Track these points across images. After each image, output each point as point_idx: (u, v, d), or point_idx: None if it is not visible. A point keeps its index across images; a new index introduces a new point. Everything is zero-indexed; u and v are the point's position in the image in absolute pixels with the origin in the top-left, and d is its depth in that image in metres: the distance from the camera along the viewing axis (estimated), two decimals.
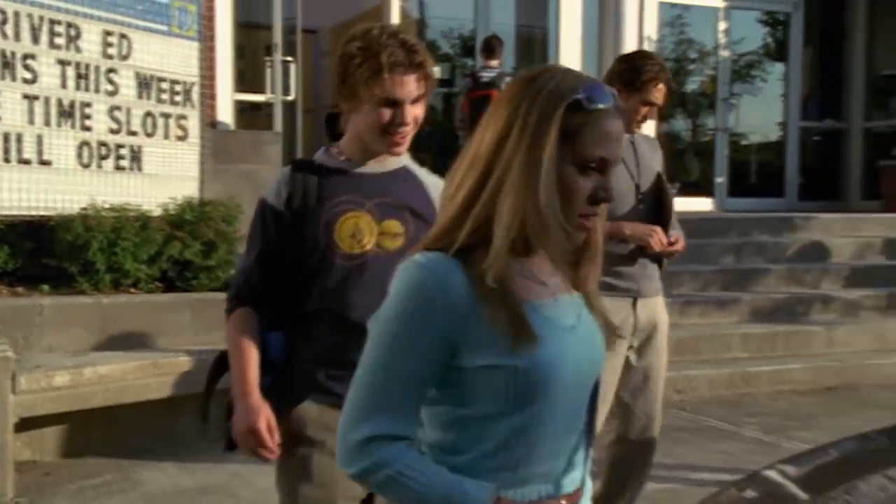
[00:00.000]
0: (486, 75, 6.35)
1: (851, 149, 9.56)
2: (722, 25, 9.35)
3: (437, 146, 8.21)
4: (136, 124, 5.28)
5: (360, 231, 2.00)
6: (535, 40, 9.61)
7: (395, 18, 7.55)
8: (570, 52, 8.52)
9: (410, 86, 1.92)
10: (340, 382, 1.94)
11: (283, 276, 2.04)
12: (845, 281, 7.04)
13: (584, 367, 1.32)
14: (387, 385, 1.30)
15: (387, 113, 1.94)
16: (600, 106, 1.25)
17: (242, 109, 7.94)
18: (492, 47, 6.47)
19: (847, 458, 2.72)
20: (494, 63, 6.41)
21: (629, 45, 8.14)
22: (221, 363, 2.14)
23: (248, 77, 8.00)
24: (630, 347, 3.11)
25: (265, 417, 1.97)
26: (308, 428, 2.01)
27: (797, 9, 9.42)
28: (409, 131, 1.98)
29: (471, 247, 1.27)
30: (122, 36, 5.22)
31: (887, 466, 2.54)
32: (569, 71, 1.32)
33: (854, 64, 9.47)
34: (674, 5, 9.33)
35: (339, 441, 1.34)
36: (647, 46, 8.76)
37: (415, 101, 1.95)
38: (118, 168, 5.21)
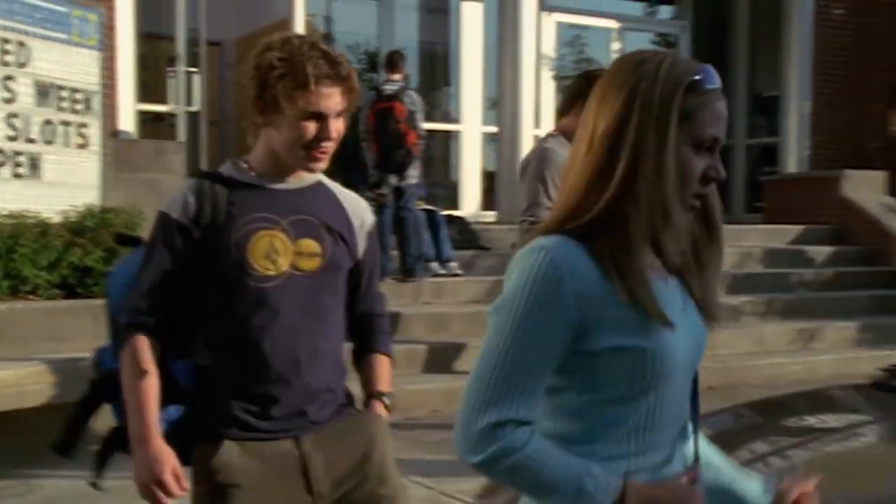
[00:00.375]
0: (389, 88, 6.54)
1: (736, 164, 10.11)
2: (616, 46, 9.79)
3: (341, 159, 8.35)
4: (34, 132, 5.27)
5: (275, 251, 1.85)
6: (438, 56, 9.88)
7: (300, 32, 7.66)
8: (471, 68, 8.80)
9: (335, 99, 1.82)
10: (259, 417, 1.86)
11: (189, 299, 1.86)
12: (728, 288, 7.45)
13: (693, 350, 1.32)
14: (514, 371, 1.27)
15: (311, 127, 1.82)
16: (715, 86, 1.27)
17: (146, 120, 7.91)
18: (394, 62, 6.66)
19: (719, 433, 2.98)
20: (397, 77, 6.61)
21: (527, 63, 8.45)
22: (97, 395, 1.96)
23: (151, 87, 7.98)
24: None
25: (171, 466, 1.79)
26: (224, 469, 1.83)
27: (685, 31, 9.94)
28: (331, 147, 1.87)
29: (594, 231, 1.26)
30: (20, 44, 5.21)
31: (756, 440, 2.80)
32: (674, 54, 1.33)
33: (737, 85, 10.04)
34: (571, 25, 9.72)
35: (461, 430, 1.30)
36: (544, 64, 9.12)
37: (338, 115, 1.85)
38: (16, 175, 5.18)
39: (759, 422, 2.86)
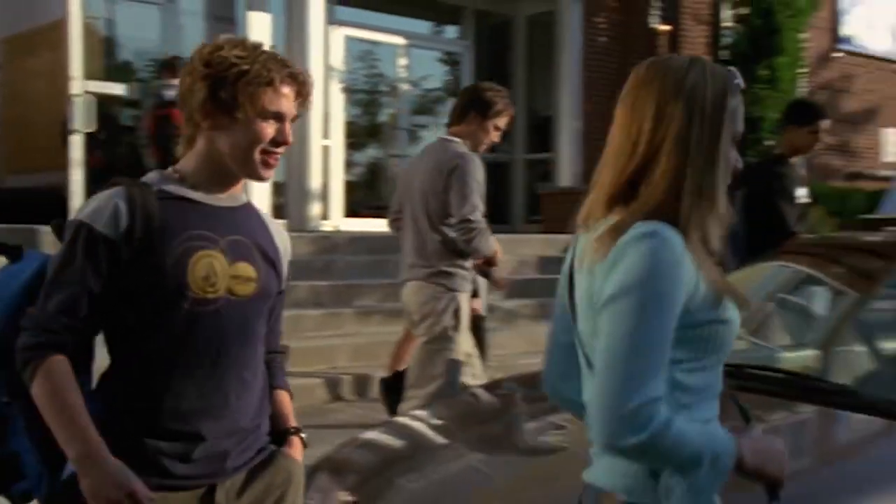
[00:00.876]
0: (168, 94, 6.46)
1: (516, 178, 10.71)
2: (403, 62, 10.11)
3: (123, 164, 8.11)
4: None
5: (214, 272, 1.71)
6: None
7: (77, 35, 7.37)
8: None
9: (292, 102, 1.75)
10: (177, 459, 1.68)
11: (104, 321, 1.70)
12: (506, 293, 7.92)
13: None
14: (653, 349, 1.31)
15: (269, 129, 1.71)
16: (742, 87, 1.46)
17: None
18: (174, 67, 6.60)
19: (483, 403, 3.22)
20: (176, 82, 6.56)
21: (315, 75, 8.53)
22: None
23: None
24: None
25: (134, 476, 1.62)
26: None
27: (468, 51, 10.44)
28: (280, 154, 1.77)
29: (670, 220, 1.38)
30: None
31: (517, 409, 3.05)
32: (704, 59, 1.49)
33: (517, 103, 10.65)
34: (360, 40, 9.94)
35: (611, 414, 1.31)
36: (333, 77, 9.27)
37: (291, 121, 1.77)
38: None
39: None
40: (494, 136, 3.96)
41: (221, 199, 1.78)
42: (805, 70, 11.25)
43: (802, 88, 11.53)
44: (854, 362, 3.16)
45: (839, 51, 12.69)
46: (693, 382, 1.41)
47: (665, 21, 10.81)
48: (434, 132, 10.68)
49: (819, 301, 3.63)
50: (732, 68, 1.49)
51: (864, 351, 3.20)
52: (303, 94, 1.77)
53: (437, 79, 11.06)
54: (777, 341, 3.46)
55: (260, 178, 1.78)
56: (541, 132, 10.65)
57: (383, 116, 10.74)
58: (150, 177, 1.78)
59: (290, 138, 1.76)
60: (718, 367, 1.45)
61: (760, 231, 4.23)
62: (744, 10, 10.08)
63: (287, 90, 1.74)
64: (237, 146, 1.72)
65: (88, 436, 1.61)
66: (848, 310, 3.42)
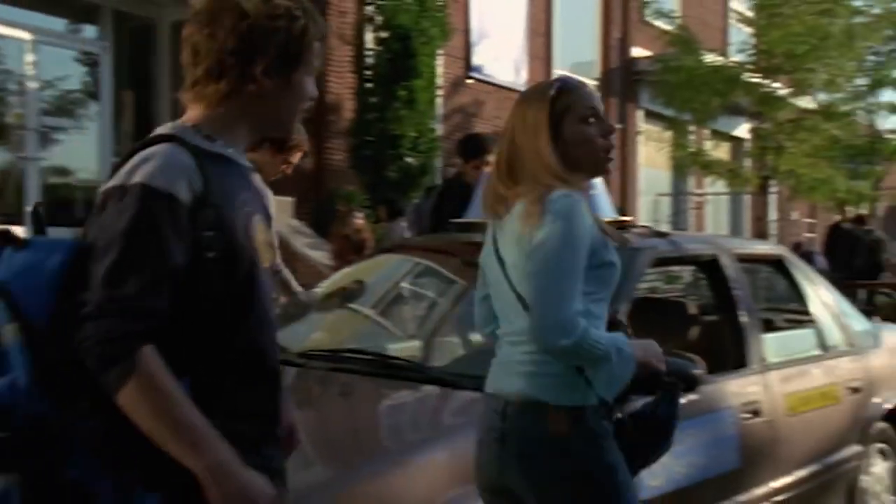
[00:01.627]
0: None
1: None
2: (31, 58, 9.42)
3: None
4: None
5: (266, 240, 1.56)
6: None
7: None
8: None
9: None
10: (271, 444, 1.52)
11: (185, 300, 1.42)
12: None
13: None
14: (571, 275, 1.84)
15: (312, 84, 1.59)
16: None
17: None
18: None
19: None
20: None
21: None
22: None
23: None
24: None
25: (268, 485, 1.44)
26: None
27: (106, 52, 9.96)
28: None
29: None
30: None
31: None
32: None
33: (161, 110, 10.39)
34: None
35: (544, 325, 1.84)
36: None
37: None
38: None
39: None
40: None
41: (243, 159, 1.62)
42: (440, 93, 12.23)
43: (438, 111, 12.53)
44: (448, 345, 3.57)
45: (471, 78, 13.94)
46: (596, 310, 1.96)
47: None
48: (72, 135, 10.06)
49: (430, 291, 4.04)
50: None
51: (457, 335, 3.63)
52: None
53: (75, 79, 10.43)
54: (393, 325, 3.80)
55: (294, 139, 1.84)
56: None
57: (9, 117, 9.90)
58: (177, 130, 1.55)
59: None
60: (608, 299, 2.03)
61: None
62: (384, 34, 10.73)
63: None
64: (289, 107, 1.58)
65: (218, 442, 1.38)
66: (452, 300, 3.85)
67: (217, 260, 1.44)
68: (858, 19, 13.97)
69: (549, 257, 1.86)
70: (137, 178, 1.44)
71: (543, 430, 1.92)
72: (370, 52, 10.91)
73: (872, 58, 15.94)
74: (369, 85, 10.83)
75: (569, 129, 2.02)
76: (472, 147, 5.39)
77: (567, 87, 2.06)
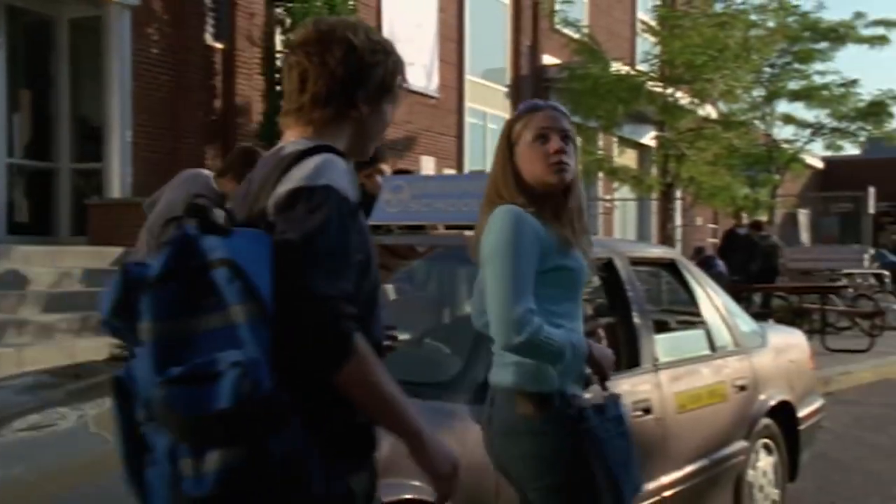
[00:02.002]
0: None
1: (61, 188, 10.11)
2: None
3: None
4: None
5: None
6: None
7: None
8: None
9: None
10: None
11: None
12: (43, 307, 7.47)
13: (585, 274, 2.27)
14: (520, 277, 2.07)
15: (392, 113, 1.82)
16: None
17: None
18: None
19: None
20: None
21: None
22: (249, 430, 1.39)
23: None
24: None
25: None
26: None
27: (0, 49, 9.63)
28: None
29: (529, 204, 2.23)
30: None
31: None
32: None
33: (60, 109, 10.09)
34: None
35: (500, 323, 2.07)
36: None
37: None
38: None
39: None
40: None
41: None
42: None
43: None
44: None
45: None
46: (559, 310, 2.17)
47: (219, 39, 11.03)
48: None
49: None
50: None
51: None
52: None
53: None
54: None
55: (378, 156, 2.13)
56: (90, 141, 10.18)
57: None
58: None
59: None
60: (576, 299, 2.25)
61: None
62: (293, 37, 10.66)
63: None
64: (376, 131, 1.77)
65: (416, 413, 1.62)
66: None
67: (362, 262, 1.59)
68: (754, 32, 14.54)
69: (496, 264, 2.12)
70: (323, 180, 1.56)
71: (514, 413, 2.19)
72: (279, 55, 10.83)
73: (768, 70, 16.62)
74: (278, 88, 10.75)
75: (519, 152, 2.27)
76: (374, 158, 5.41)
77: (522, 113, 2.33)
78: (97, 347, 7.64)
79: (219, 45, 11.02)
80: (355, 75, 1.70)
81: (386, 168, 5.07)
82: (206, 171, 4.66)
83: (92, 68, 10.00)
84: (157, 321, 1.44)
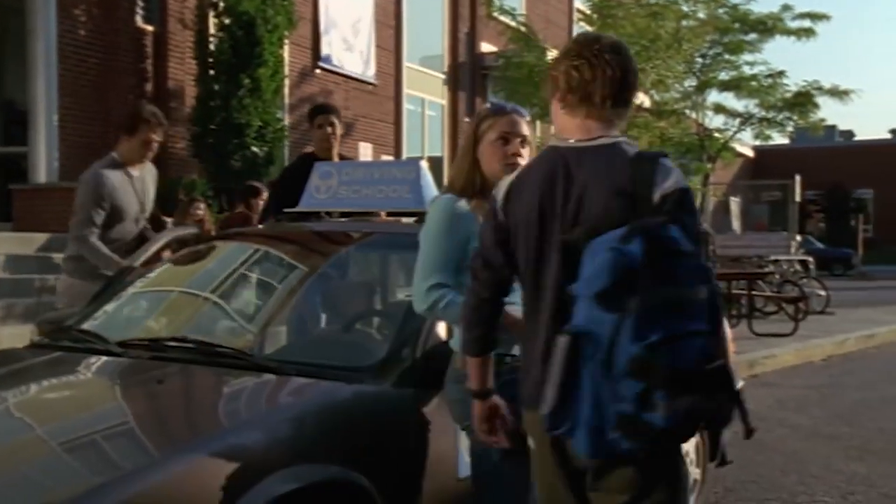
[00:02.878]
0: None
1: None
2: None
3: None
4: None
5: None
6: None
7: None
8: None
9: None
10: None
11: None
12: None
13: None
14: (434, 257, 2.47)
15: None
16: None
17: None
18: None
19: None
20: None
21: None
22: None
23: None
24: None
25: None
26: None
27: None
28: None
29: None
30: None
31: None
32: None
33: None
34: None
35: (416, 289, 2.49)
36: None
37: None
38: None
39: None
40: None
41: None
42: (286, 83, 12.10)
43: (285, 100, 12.39)
44: (277, 333, 3.58)
45: (319, 68, 13.87)
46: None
47: (150, 21, 10.82)
48: None
49: (262, 279, 4.03)
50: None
51: (286, 322, 3.65)
52: None
53: None
54: (223, 313, 3.76)
55: None
56: (15, 125, 9.91)
57: None
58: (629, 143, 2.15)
59: None
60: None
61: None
62: (227, 20, 10.49)
63: None
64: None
65: None
66: (283, 288, 3.85)
67: None
68: (685, 23, 14.81)
69: (421, 247, 2.51)
70: (684, 182, 2.05)
71: (452, 366, 2.58)
72: (213, 39, 10.67)
73: (700, 60, 16.95)
74: (212, 72, 10.59)
75: (481, 148, 2.59)
76: (316, 107, 5.45)
77: (490, 113, 2.64)
78: (22, 335, 7.49)
79: (150, 28, 10.81)
80: (626, 79, 2.15)
81: (335, 121, 5.25)
82: None
83: (16, 51, 9.73)
84: (644, 295, 1.84)
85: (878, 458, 5.61)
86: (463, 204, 2.56)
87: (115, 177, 4.39)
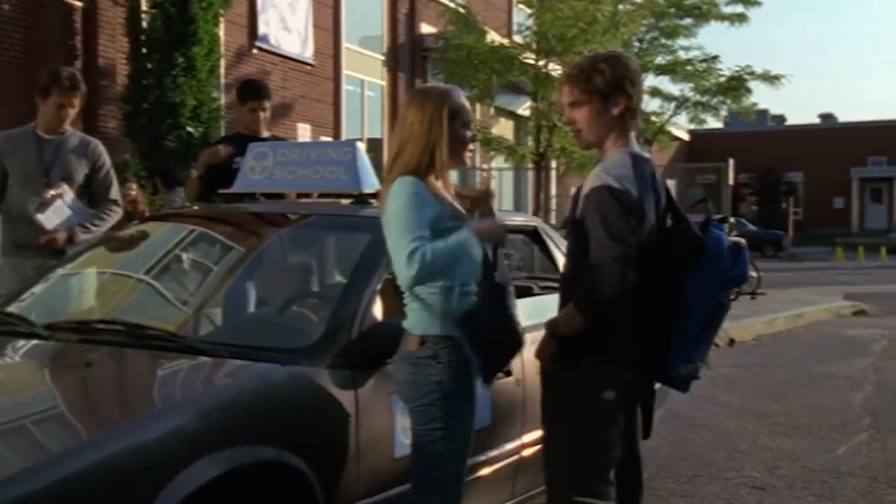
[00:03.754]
0: None
1: None
2: None
3: None
4: None
5: None
6: None
7: None
8: None
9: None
10: None
11: None
12: None
13: None
14: (406, 224, 2.50)
15: None
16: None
17: None
18: None
19: None
20: None
21: None
22: None
23: None
24: None
25: None
26: None
27: None
28: None
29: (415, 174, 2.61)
30: None
31: None
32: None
33: None
34: None
35: (398, 265, 2.51)
36: None
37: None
38: None
39: None
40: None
41: None
42: (222, 62, 11.88)
43: (220, 79, 12.17)
44: (209, 315, 3.54)
45: (256, 47, 13.66)
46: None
47: None
48: None
49: (195, 261, 3.97)
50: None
51: (219, 304, 3.61)
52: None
53: None
54: (154, 295, 3.70)
55: None
56: None
57: None
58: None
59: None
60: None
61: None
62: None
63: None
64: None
65: None
66: (216, 270, 3.81)
67: None
68: (622, 7, 14.96)
69: (392, 227, 2.54)
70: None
71: (404, 347, 2.64)
72: (145, 15, 10.43)
73: (637, 44, 17.15)
74: (144, 50, 10.36)
75: (452, 130, 2.63)
76: (248, 89, 5.00)
77: (459, 97, 2.71)
78: None
79: (78, 3, 10.51)
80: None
81: (268, 106, 4.92)
82: None
83: None
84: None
85: (803, 434, 5.81)
86: (423, 184, 2.60)
87: (14, 139, 4.21)
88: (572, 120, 2.74)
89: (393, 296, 4.05)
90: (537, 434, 3.78)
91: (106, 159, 4.42)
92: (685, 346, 2.70)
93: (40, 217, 4.08)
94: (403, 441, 2.84)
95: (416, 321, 2.63)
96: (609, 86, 2.66)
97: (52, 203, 4.13)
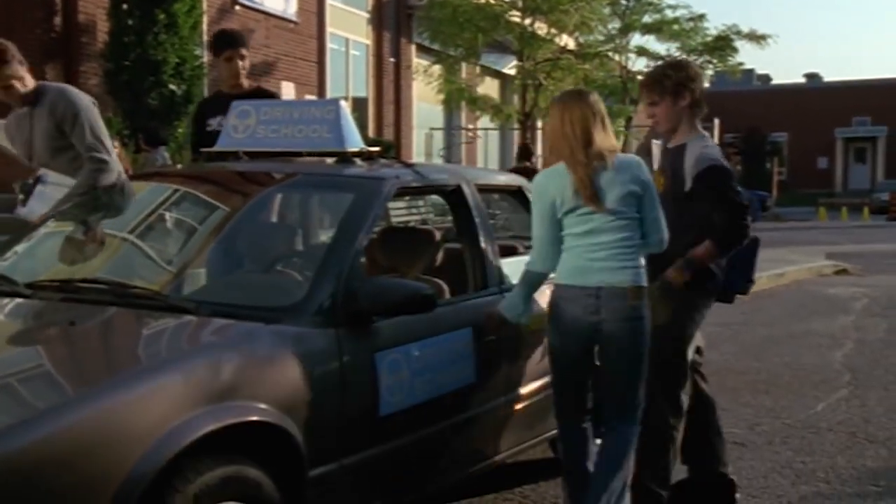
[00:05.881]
0: None
1: None
2: None
3: None
4: None
5: None
6: None
7: None
8: None
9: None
10: None
11: None
12: None
13: None
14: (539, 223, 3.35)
15: None
16: None
17: None
18: None
19: None
20: None
21: None
22: None
23: None
24: None
25: None
26: None
27: None
28: None
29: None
30: None
31: None
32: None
33: None
34: None
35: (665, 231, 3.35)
36: None
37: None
38: None
39: None
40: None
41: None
42: (204, 19, 11.71)
43: (202, 37, 12.01)
44: (193, 273, 3.53)
45: (239, 4, 13.46)
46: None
47: None
48: None
49: (179, 220, 3.95)
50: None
51: (204, 263, 3.60)
52: None
53: None
54: (139, 254, 3.68)
55: None
56: None
57: None
58: None
59: None
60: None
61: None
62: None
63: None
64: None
65: None
66: (201, 229, 3.79)
67: None
68: None
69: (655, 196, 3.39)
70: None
71: (625, 303, 3.28)
72: None
73: (623, 3, 17.02)
74: (125, 6, 10.19)
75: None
76: (220, 39, 4.76)
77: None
78: None
79: None
80: None
81: (246, 53, 4.71)
82: None
83: None
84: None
85: (783, 391, 5.89)
86: None
87: (11, 118, 4.13)
88: (652, 114, 3.56)
89: (378, 254, 4.06)
90: (524, 390, 3.83)
91: (70, 109, 3.96)
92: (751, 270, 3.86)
93: (23, 212, 3.96)
94: (389, 399, 2.87)
95: (639, 276, 3.25)
96: (675, 86, 3.46)
97: (33, 190, 3.94)
